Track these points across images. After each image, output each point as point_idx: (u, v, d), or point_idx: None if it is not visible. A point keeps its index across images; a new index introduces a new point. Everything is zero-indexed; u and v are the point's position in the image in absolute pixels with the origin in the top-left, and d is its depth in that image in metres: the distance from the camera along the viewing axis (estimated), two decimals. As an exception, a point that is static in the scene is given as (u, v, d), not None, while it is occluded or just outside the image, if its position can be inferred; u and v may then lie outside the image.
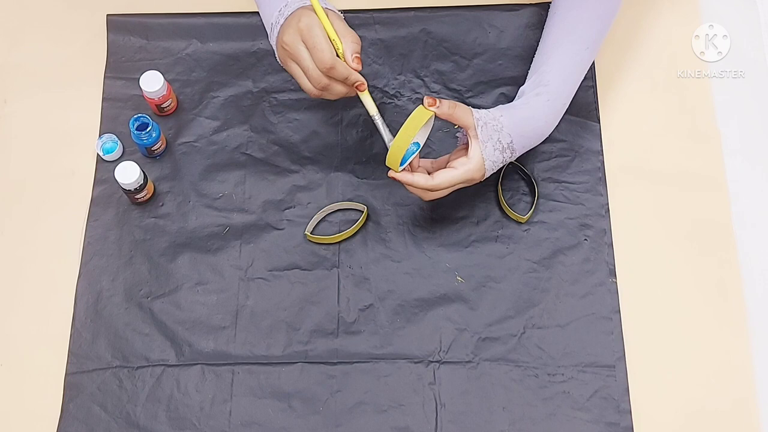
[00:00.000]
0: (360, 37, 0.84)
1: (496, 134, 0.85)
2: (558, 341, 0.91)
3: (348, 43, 0.82)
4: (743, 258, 0.94)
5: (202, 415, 0.89)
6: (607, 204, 0.96)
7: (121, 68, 1.04)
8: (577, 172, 0.97)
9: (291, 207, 0.97)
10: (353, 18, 1.02)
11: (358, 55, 0.82)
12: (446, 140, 0.99)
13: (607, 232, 0.95)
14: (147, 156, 0.99)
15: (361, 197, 0.97)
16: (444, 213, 0.96)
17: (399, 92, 1.02)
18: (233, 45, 1.04)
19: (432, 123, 0.86)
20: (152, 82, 0.96)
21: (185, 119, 1.01)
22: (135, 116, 0.96)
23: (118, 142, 1.00)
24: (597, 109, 1.00)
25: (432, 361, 0.90)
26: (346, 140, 1.00)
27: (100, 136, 1.00)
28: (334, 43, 0.81)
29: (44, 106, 1.02)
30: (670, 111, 1.00)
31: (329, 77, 0.82)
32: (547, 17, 0.94)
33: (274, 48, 0.87)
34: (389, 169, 0.85)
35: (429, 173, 0.86)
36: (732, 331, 0.91)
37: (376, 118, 0.86)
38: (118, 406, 0.90)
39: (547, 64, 0.89)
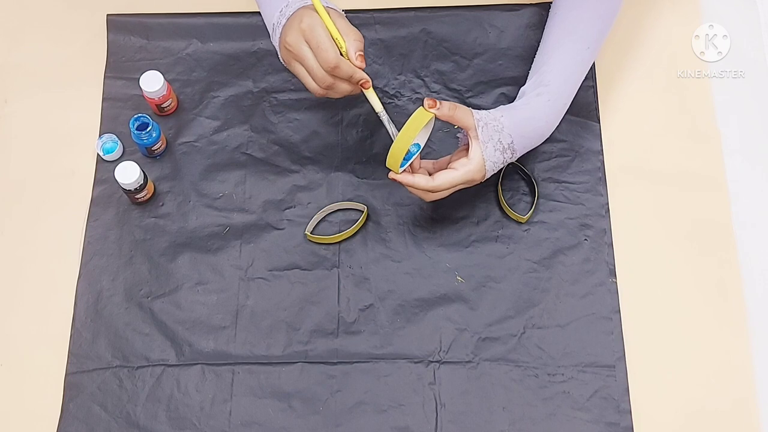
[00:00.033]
0: (361, 35, 0.84)
1: (497, 135, 0.85)
2: (558, 341, 0.91)
3: (351, 41, 0.82)
4: (743, 258, 0.94)
5: (202, 415, 0.89)
6: (607, 204, 0.96)
7: (121, 68, 1.04)
8: (577, 172, 0.97)
9: (291, 207, 0.97)
10: (353, 18, 1.02)
11: (362, 53, 0.82)
12: (447, 140, 0.99)
13: (607, 232, 0.95)
14: (147, 156, 0.99)
15: (361, 197, 0.97)
16: (444, 213, 0.96)
17: (399, 92, 1.02)
18: (233, 45, 1.04)
19: (432, 124, 0.86)
20: (152, 82, 0.96)
21: (185, 119, 1.01)
22: (135, 116, 0.96)
23: (118, 142, 1.00)
24: (597, 109, 1.00)
25: (432, 361, 0.91)
26: (347, 140, 1.00)
27: (100, 136, 1.00)
28: (337, 42, 0.81)
29: (44, 106, 1.02)
30: (670, 111, 1.00)
31: (334, 76, 0.82)
32: (547, 17, 0.94)
33: (277, 48, 0.87)
34: (390, 170, 0.85)
35: (430, 174, 0.86)
36: (732, 331, 0.91)
37: (383, 114, 0.86)
38: (118, 406, 0.90)
39: (548, 64, 0.89)
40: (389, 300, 0.93)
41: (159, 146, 0.98)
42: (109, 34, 1.05)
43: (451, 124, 0.86)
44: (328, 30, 0.81)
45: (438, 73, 1.02)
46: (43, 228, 0.97)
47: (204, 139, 1.00)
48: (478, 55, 1.03)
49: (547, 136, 0.90)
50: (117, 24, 1.05)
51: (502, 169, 0.94)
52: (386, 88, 1.02)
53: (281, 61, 0.87)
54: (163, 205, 0.98)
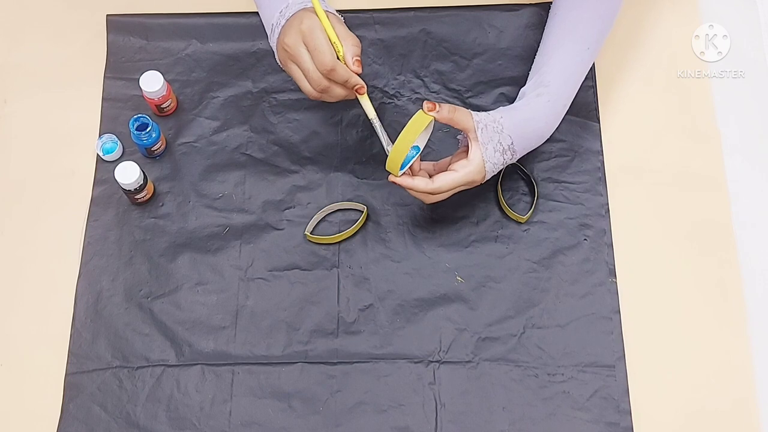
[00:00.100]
0: (360, 37, 0.84)
1: (497, 136, 0.85)
2: (558, 341, 0.91)
3: (349, 46, 0.82)
4: (743, 258, 0.94)
5: (202, 415, 0.89)
6: (607, 204, 0.96)
7: (121, 68, 1.04)
8: (576, 172, 0.97)
9: (291, 207, 0.97)
10: (353, 18, 1.02)
11: (359, 59, 0.82)
12: (447, 140, 0.99)
13: (606, 232, 0.95)
14: (147, 156, 0.99)
15: (360, 197, 0.97)
16: (444, 213, 0.96)
17: (399, 92, 1.02)
18: (233, 45, 1.04)
19: (432, 127, 0.86)
20: (152, 82, 0.96)
21: (185, 119, 1.01)
22: (135, 116, 0.96)
23: (118, 142, 1.00)
24: (597, 109, 1.00)
25: (432, 361, 0.91)
26: (346, 140, 1.00)
27: (100, 136, 1.00)
28: (335, 46, 0.81)
29: (44, 106, 1.02)
30: (670, 111, 1.00)
31: (329, 80, 0.82)
32: (547, 17, 0.94)
33: (274, 49, 0.87)
34: (390, 173, 0.85)
35: (430, 176, 0.86)
36: (732, 331, 0.91)
37: (375, 122, 0.86)
38: (118, 406, 0.90)
39: (548, 65, 0.89)
40: (389, 300, 0.93)
41: (159, 146, 0.98)
42: (108, 34, 1.05)
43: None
44: (327, 33, 0.81)
45: (437, 73, 1.02)
46: (43, 228, 0.97)
47: (203, 140, 1.00)
48: (478, 55, 1.03)
49: (547, 137, 0.90)
50: (117, 24, 1.05)
51: (502, 169, 0.94)
52: (386, 88, 1.02)
53: (277, 61, 0.87)
54: (162, 205, 0.98)
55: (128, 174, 0.92)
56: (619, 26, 1.02)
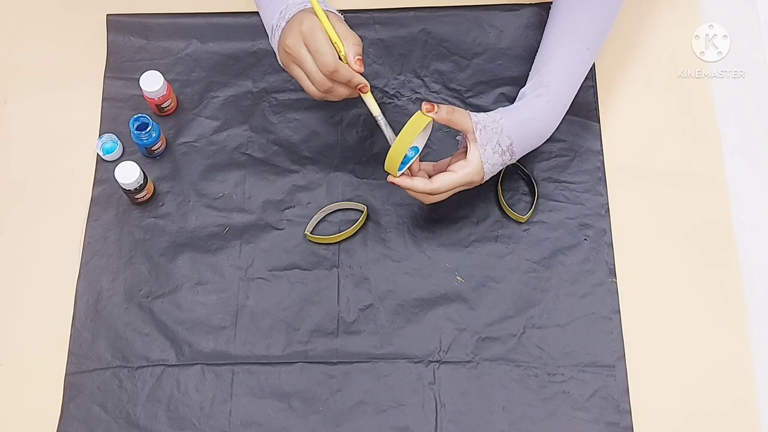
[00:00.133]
0: (360, 37, 0.84)
1: (496, 137, 0.85)
2: (558, 341, 0.91)
3: (350, 45, 0.82)
4: (743, 258, 0.94)
5: (202, 415, 0.89)
6: (607, 204, 0.96)
7: (121, 68, 1.04)
8: (577, 172, 0.97)
9: (291, 207, 0.97)
10: (353, 18, 1.02)
11: (360, 58, 0.82)
12: (447, 140, 0.99)
13: (607, 232, 0.95)
14: (147, 156, 0.99)
15: (361, 197, 0.97)
16: (444, 213, 0.96)
17: (399, 92, 1.02)
18: (233, 45, 1.04)
19: (431, 128, 0.86)
20: (152, 82, 0.96)
21: (185, 119, 1.01)
22: (135, 116, 0.96)
23: (118, 142, 1.00)
24: (597, 109, 1.00)
25: (432, 361, 0.91)
26: (346, 140, 1.00)
27: (100, 136, 1.00)
28: (336, 46, 0.81)
29: (44, 106, 1.02)
30: (670, 111, 1.00)
31: (332, 80, 0.82)
32: (547, 18, 0.94)
33: (276, 50, 0.87)
34: (389, 173, 0.85)
35: (430, 177, 0.86)
36: (732, 331, 0.91)
37: (380, 118, 0.86)
38: (118, 406, 0.90)
39: (548, 65, 0.89)
40: (389, 300, 0.93)
41: (159, 146, 0.98)
42: (108, 34, 1.05)
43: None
44: (328, 34, 0.81)
45: (437, 73, 1.02)
46: (43, 228, 0.97)
47: (204, 139, 1.00)
48: (478, 55, 1.03)
49: (547, 137, 0.90)
50: (117, 24, 1.05)
51: (501, 169, 0.94)
52: (386, 88, 1.02)
53: (280, 63, 0.87)
54: (162, 205, 0.98)
55: (128, 174, 0.92)
56: (619, 26, 1.02)
